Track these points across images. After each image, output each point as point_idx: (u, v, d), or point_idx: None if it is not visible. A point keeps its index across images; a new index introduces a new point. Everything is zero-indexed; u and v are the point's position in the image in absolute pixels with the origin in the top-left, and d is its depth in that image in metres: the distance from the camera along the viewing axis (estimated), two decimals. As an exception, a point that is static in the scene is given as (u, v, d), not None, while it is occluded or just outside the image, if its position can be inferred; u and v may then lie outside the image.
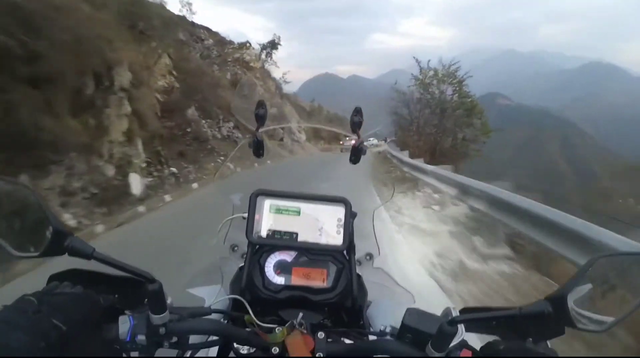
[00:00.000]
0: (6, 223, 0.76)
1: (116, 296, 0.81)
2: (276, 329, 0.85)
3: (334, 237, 1.09)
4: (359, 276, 1.17)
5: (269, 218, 1.11)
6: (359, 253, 1.23)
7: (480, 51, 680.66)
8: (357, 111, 1.26)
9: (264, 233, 1.09)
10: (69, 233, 0.72)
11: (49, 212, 0.72)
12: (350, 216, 1.11)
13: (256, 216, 1.10)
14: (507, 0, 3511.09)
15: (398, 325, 0.80)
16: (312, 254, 1.10)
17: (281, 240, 1.10)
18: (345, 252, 1.13)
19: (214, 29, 22.85)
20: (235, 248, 1.30)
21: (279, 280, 1.07)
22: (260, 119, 1.23)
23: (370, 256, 1.30)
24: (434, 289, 3.80)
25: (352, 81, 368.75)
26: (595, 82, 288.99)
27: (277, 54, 30.86)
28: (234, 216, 1.21)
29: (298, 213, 1.12)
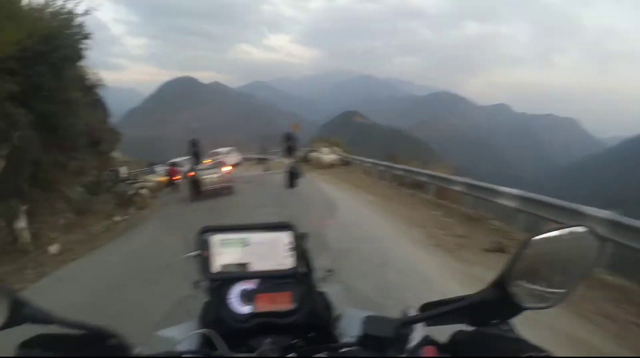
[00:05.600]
0: None
1: (83, 354, 0.87)
2: None
3: (284, 261, 1.17)
4: (323, 293, 1.28)
5: (220, 253, 1.17)
6: (319, 271, 1.36)
7: (340, 73, 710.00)
8: (289, 137, 1.77)
9: (217, 268, 1.16)
10: (26, 303, 0.79)
11: (3, 285, 0.80)
12: (298, 238, 1.19)
13: (205, 253, 1.17)
14: (366, 29, 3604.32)
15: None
16: (274, 279, 1.19)
17: (235, 272, 1.17)
18: (303, 271, 1.23)
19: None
20: (198, 285, 1.38)
21: (245, 309, 1.15)
22: (196, 156, 1.80)
23: (330, 271, 1.44)
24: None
25: (214, 87, 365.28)
26: (442, 108, 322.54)
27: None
28: (186, 255, 1.31)
29: (247, 243, 1.18)
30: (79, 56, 16.00)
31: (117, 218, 13.93)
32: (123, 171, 17.66)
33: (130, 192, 18.10)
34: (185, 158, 27.59)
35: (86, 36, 14.31)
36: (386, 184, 15.65)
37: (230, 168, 17.08)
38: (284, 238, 1.17)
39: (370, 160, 19.53)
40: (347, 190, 14.15)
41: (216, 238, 1.17)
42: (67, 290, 6.91)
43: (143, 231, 12.18)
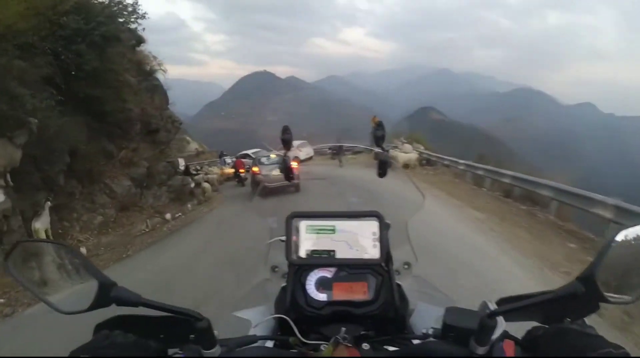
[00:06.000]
0: (53, 282, 0.86)
1: (161, 336, 0.88)
2: (322, 346, 0.95)
3: (371, 251, 1.16)
4: (399, 285, 1.26)
5: (306, 239, 1.18)
6: (396, 263, 1.32)
7: (418, 67, 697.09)
8: (379, 125, 1.42)
9: (302, 254, 1.17)
10: (114, 284, 0.79)
11: (92, 267, 0.81)
12: (384, 228, 1.18)
13: (294, 238, 1.18)
14: (444, 21, 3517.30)
15: (439, 327, 0.88)
16: (351, 268, 1.20)
17: (320, 259, 1.17)
18: (383, 263, 1.20)
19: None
20: (276, 269, 1.43)
21: (322, 296, 1.17)
22: (287, 143, 1.42)
23: (408, 265, 1.40)
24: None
25: (290, 82, 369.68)
26: (524, 106, 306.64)
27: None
28: (272, 239, 1.36)
29: (333, 231, 1.18)
30: (137, 39, 14.80)
31: (168, 216, 12.51)
32: (181, 162, 16.17)
33: (191, 185, 16.92)
34: (257, 150, 26.09)
35: (140, 15, 12.97)
36: (489, 195, 12.34)
37: (296, 164, 15.13)
38: (371, 227, 1.18)
39: (465, 162, 15.86)
40: (443, 201, 11.11)
41: (304, 224, 1.19)
42: (45, 334, 4.70)
43: (193, 235, 10.53)
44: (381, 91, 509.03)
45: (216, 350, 0.84)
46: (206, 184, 17.33)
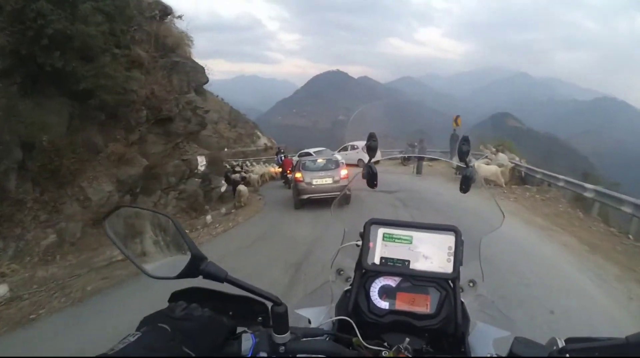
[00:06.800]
0: (149, 249, 0.88)
1: (230, 313, 0.93)
2: (383, 352, 0.96)
3: (445, 265, 1.16)
4: (462, 303, 1.22)
5: (382, 246, 1.20)
6: (461, 280, 1.27)
7: (495, 70, 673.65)
8: (465, 139, 1.32)
9: (377, 260, 1.18)
10: (205, 258, 0.83)
11: (188, 239, 0.84)
12: (460, 244, 1.19)
13: (370, 244, 1.20)
14: (524, 22, 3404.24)
15: (500, 353, 0.88)
16: (415, 280, 1.18)
17: (394, 267, 1.17)
18: (450, 279, 1.19)
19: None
20: (341, 273, 1.39)
21: (384, 304, 1.16)
22: (372, 150, 1.34)
23: (473, 282, 1.34)
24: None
25: (363, 82, 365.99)
26: (607, 117, 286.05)
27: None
28: (348, 243, 1.32)
29: (410, 241, 1.19)
30: (162, 9, 11.98)
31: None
32: (201, 161, 12.59)
33: (221, 189, 13.90)
34: (320, 148, 24.11)
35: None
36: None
37: (346, 171, 12.55)
38: (447, 241, 1.18)
39: (594, 187, 10.42)
40: (583, 260, 6.59)
41: (382, 231, 1.22)
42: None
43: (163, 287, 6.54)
44: (456, 93, 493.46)
45: (287, 335, 0.84)
46: (242, 188, 14.48)
